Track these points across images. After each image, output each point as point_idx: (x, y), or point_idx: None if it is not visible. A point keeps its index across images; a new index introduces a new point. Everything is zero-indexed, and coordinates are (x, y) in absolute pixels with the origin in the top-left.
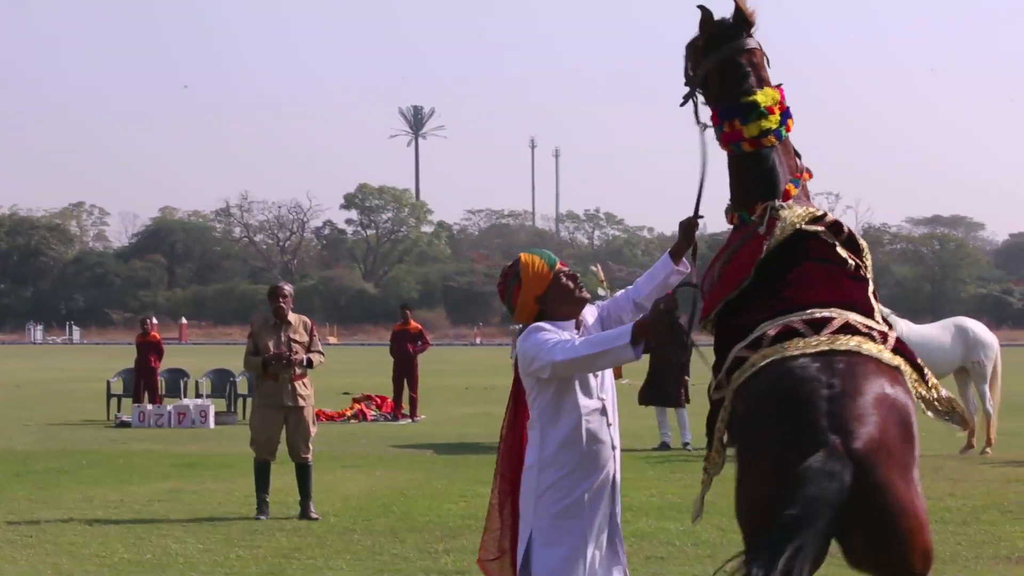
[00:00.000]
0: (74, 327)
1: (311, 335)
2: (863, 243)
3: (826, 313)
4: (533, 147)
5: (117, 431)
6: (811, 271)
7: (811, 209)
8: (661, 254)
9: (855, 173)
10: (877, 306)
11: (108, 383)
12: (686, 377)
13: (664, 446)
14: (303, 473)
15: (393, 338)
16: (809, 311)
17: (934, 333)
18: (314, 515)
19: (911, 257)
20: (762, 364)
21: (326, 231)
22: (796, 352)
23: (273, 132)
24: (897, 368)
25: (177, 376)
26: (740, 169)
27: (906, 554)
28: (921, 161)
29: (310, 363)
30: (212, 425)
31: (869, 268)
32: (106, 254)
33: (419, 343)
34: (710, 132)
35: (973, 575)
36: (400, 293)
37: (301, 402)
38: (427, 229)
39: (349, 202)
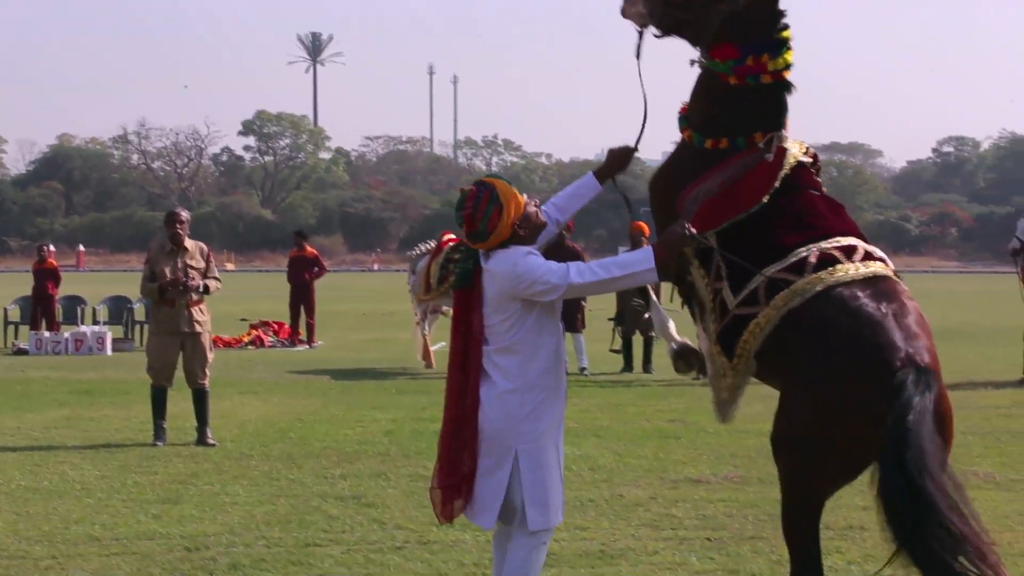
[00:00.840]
0: None
1: (208, 261)
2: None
3: (849, 241)
4: (431, 74)
5: (14, 358)
6: (815, 201)
7: (800, 142)
8: (559, 180)
9: None
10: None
11: (5, 310)
12: (583, 303)
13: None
14: (200, 399)
15: (289, 264)
16: (834, 239)
17: None
18: (211, 441)
19: None
20: (817, 290)
21: (224, 158)
22: (844, 279)
23: (171, 59)
24: (907, 288)
25: (74, 303)
26: (743, 100)
27: (948, 441)
28: (819, 88)
29: (207, 289)
30: (109, 352)
31: None
32: (3, 181)
33: (315, 269)
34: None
35: (868, 499)
36: (298, 219)
37: (198, 328)
38: (325, 156)
39: (247, 129)
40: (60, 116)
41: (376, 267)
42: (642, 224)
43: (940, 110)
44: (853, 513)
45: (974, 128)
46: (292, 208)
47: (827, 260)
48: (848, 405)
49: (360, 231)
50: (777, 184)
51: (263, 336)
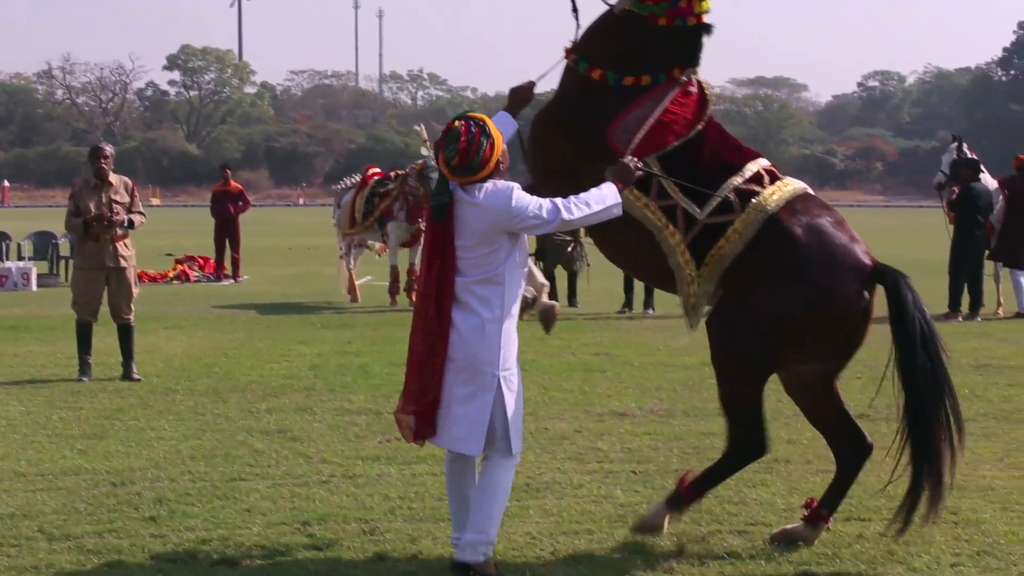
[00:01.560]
0: None
1: (132, 196)
2: None
3: (769, 164)
4: (356, 7)
5: None
6: (722, 128)
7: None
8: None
9: None
10: None
11: None
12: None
13: None
14: (125, 334)
15: (214, 199)
16: (760, 160)
17: None
18: (136, 376)
19: (734, 118)
20: (786, 199)
21: (149, 93)
22: (796, 192)
23: None
24: None
25: None
26: (668, 40)
27: None
28: (744, 22)
29: (131, 224)
30: (34, 288)
31: None
32: None
33: (240, 203)
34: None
35: (793, 432)
36: (223, 154)
37: (123, 263)
38: (250, 90)
39: (172, 63)
40: None
41: (301, 201)
42: None
43: (865, 45)
44: (778, 446)
45: (899, 63)
46: (217, 143)
47: (772, 176)
48: (842, 293)
49: (285, 166)
50: (709, 112)
51: (188, 271)
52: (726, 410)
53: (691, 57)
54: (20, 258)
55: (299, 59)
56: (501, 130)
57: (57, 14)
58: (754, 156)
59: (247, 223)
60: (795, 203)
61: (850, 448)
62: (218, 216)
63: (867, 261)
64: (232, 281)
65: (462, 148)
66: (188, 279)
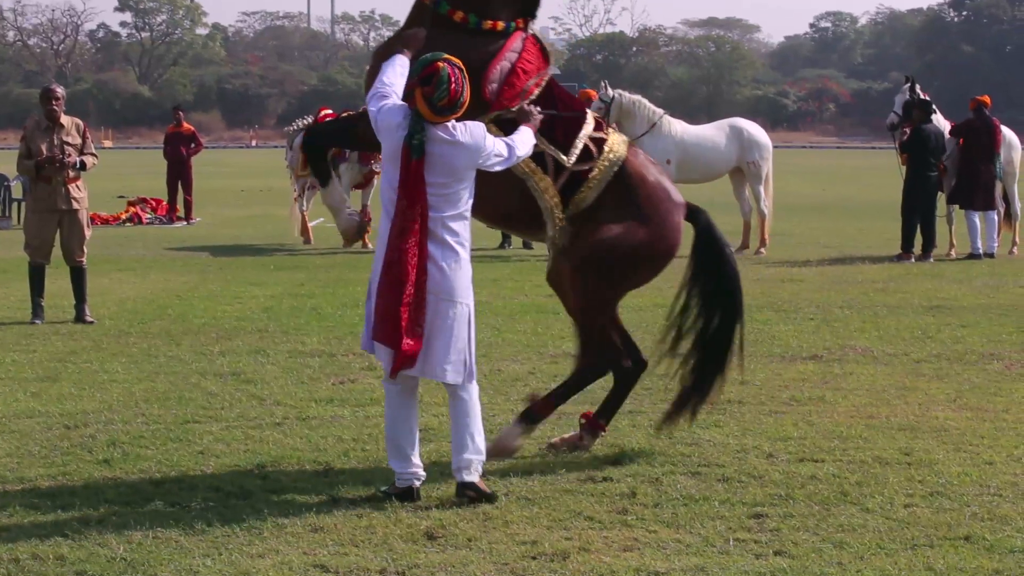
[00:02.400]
0: None
1: (84, 137)
2: None
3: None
4: None
5: None
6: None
7: None
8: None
9: None
10: None
11: None
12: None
13: None
14: (78, 276)
15: (166, 140)
16: (588, 110)
17: (709, 134)
18: (89, 319)
19: (686, 59)
20: (626, 148)
21: (100, 34)
22: (626, 143)
23: None
24: None
25: None
26: None
27: None
28: None
29: (83, 165)
30: None
31: None
32: None
33: (192, 145)
34: None
35: (746, 373)
36: (175, 96)
37: (75, 205)
38: (202, 31)
39: (123, 5)
40: None
41: (254, 143)
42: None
43: None
44: (730, 388)
45: (851, 4)
46: (169, 84)
47: (602, 124)
48: (677, 227)
49: (238, 107)
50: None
51: (141, 213)
52: (583, 336)
53: (531, 7)
54: None
55: (251, 1)
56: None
57: None
58: (585, 106)
59: (200, 165)
60: (630, 152)
61: (629, 363)
62: (171, 158)
63: (683, 200)
64: (185, 223)
65: (453, 91)
66: (141, 221)
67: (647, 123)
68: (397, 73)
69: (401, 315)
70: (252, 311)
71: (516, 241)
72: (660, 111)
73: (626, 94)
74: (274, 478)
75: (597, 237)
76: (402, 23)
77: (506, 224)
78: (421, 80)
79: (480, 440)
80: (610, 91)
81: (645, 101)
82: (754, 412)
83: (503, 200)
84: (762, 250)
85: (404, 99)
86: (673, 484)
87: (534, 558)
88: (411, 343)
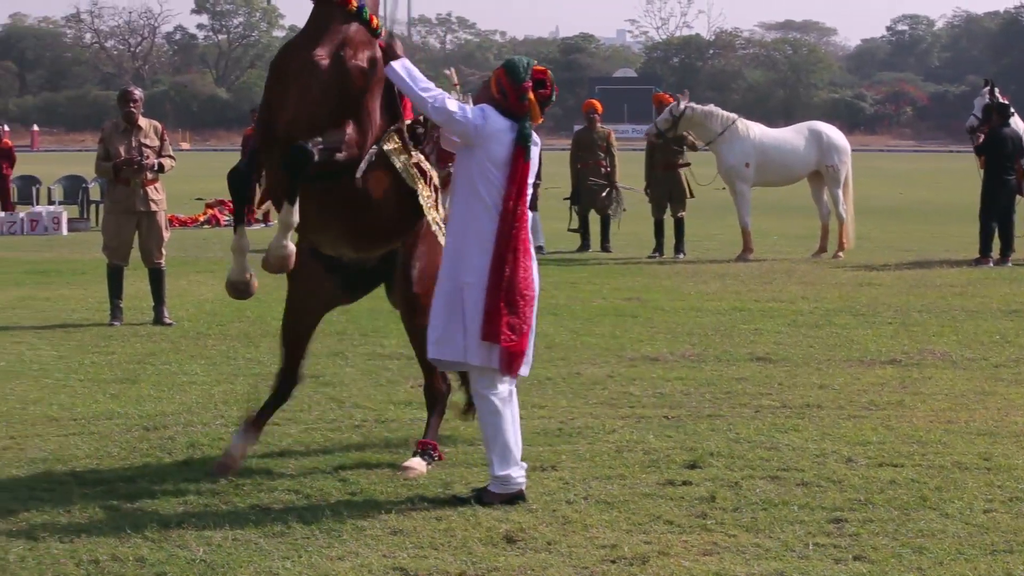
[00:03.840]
0: None
1: (162, 139)
2: None
3: None
4: None
5: None
6: None
7: None
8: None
9: None
10: None
11: None
12: (537, 181)
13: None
14: (156, 278)
15: (244, 142)
16: None
17: (788, 137)
18: (168, 320)
19: (763, 62)
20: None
21: (177, 36)
22: None
23: None
24: None
25: (29, 183)
26: None
27: None
28: None
29: (161, 167)
30: (65, 232)
31: None
32: None
33: None
34: None
35: (825, 377)
36: (252, 98)
37: (153, 207)
38: (279, 34)
39: (200, 7)
40: None
41: None
42: (594, 101)
43: None
44: (810, 392)
45: (928, 6)
46: (246, 87)
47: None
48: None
49: None
50: None
51: (219, 215)
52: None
53: None
54: (50, 202)
55: None
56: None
57: None
58: None
59: None
60: None
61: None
62: None
63: None
64: (262, 225)
65: (551, 94)
66: (219, 223)
67: (721, 127)
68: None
69: (526, 316)
70: (331, 313)
71: (595, 243)
72: (733, 116)
73: (696, 106)
74: (353, 480)
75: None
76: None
77: (367, 239)
78: (535, 83)
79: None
80: (682, 105)
81: (717, 110)
82: (833, 416)
83: (391, 211)
84: (840, 254)
85: (513, 102)
86: (752, 488)
87: (613, 562)
88: (525, 343)
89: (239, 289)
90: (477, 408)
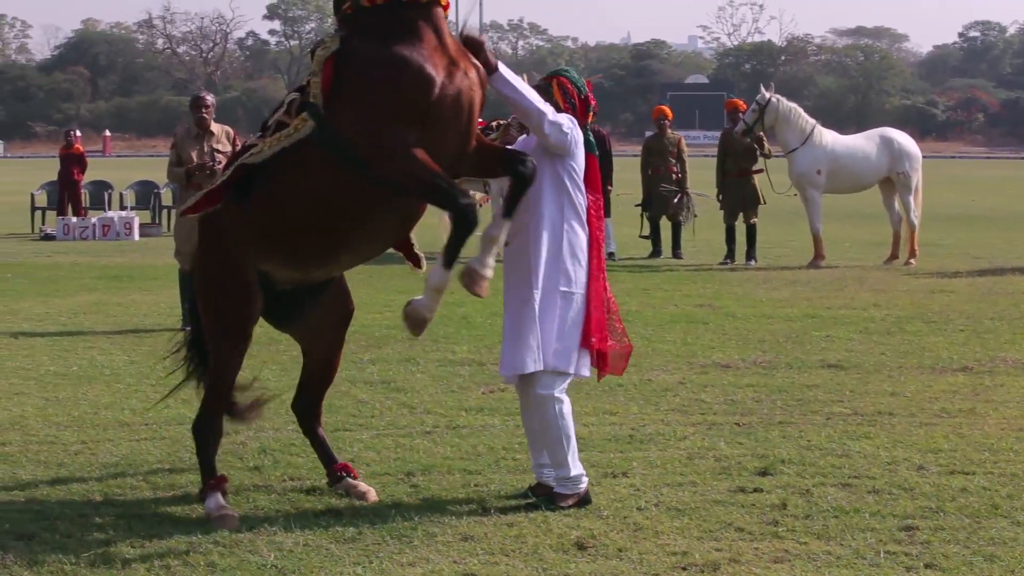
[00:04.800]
0: None
1: (234, 145)
2: (318, 57)
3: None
4: None
5: (42, 244)
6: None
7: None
8: (584, 65)
9: None
10: (275, 116)
11: (32, 196)
12: (608, 187)
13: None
14: None
15: None
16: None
17: (860, 144)
18: None
19: (835, 68)
20: None
21: (249, 42)
22: None
23: None
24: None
25: (101, 188)
26: None
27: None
28: None
29: None
30: (137, 237)
31: (315, 83)
32: (28, 67)
33: None
34: None
35: (897, 384)
36: None
37: None
38: None
39: (272, 13)
40: (84, 1)
41: None
42: (665, 108)
43: None
44: (881, 399)
45: (1000, 13)
46: None
47: None
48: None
49: None
50: None
51: None
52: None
53: None
54: (122, 208)
55: None
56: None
57: None
58: None
59: None
60: None
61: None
62: None
63: None
64: None
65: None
66: None
67: (800, 133)
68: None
69: (617, 321)
70: (401, 319)
71: (666, 250)
72: (813, 121)
73: (784, 100)
74: (424, 486)
75: None
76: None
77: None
78: (589, 94)
79: None
80: (767, 93)
81: (801, 110)
82: (904, 424)
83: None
84: (912, 261)
85: (580, 111)
86: (823, 496)
87: (684, 569)
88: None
89: (419, 326)
90: (543, 411)
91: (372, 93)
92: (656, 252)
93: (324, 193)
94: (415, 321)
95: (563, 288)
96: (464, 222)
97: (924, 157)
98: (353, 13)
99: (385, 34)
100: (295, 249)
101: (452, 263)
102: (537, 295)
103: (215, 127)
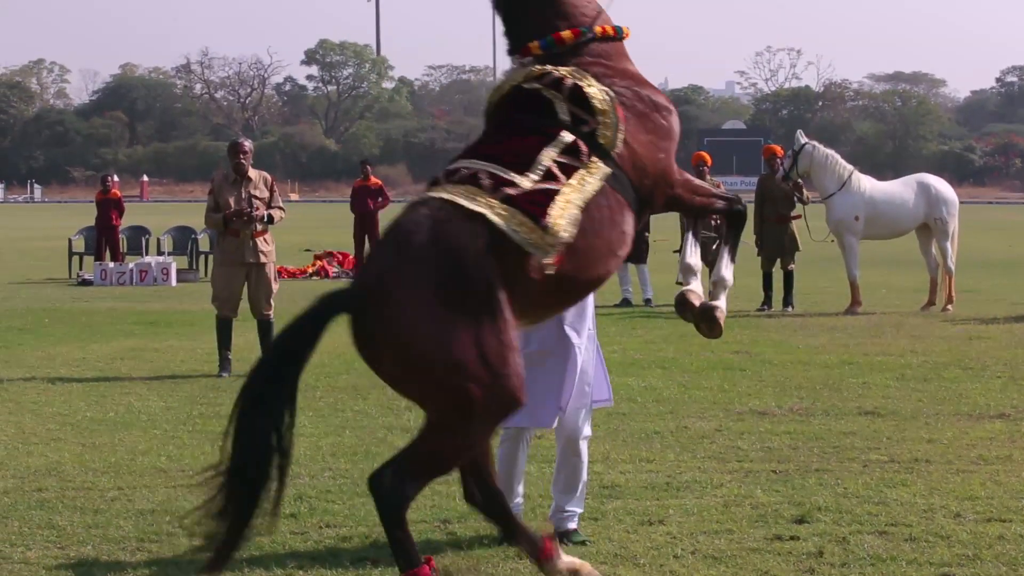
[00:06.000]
0: (35, 185)
1: (271, 191)
2: (601, 98)
3: (462, 164)
4: None
5: (79, 289)
6: (503, 126)
7: (536, 69)
8: None
9: (817, 28)
10: (547, 155)
11: (70, 241)
12: (647, 234)
13: (625, 303)
14: (265, 330)
15: (354, 194)
16: (462, 161)
17: (897, 190)
18: None
19: (873, 114)
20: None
21: (287, 87)
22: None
23: None
24: (477, 215)
25: (139, 233)
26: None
27: (397, 375)
28: (883, 17)
29: (271, 219)
30: (174, 283)
31: (606, 124)
32: (67, 112)
33: (380, 199)
34: None
35: (933, 432)
36: (361, 149)
37: (263, 258)
38: (388, 85)
39: (310, 58)
40: (123, 45)
41: None
42: (703, 153)
43: (1004, 39)
44: (918, 446)
45: None
46: (355, 138)
47: (432, 182)
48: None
49: (424, 161)
50: (486, 108)
51: (327, 267)
52: None
53: (511, 43)
54: (160, 253)
55: (437, 54)
56: None
57: (196, 8)
58: (482, 153)
59: (386, 219)
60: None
61: None
62: (357, 211)
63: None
64: (317, 277)
65: None
66: (327, 275)
67: (837, 179)
68: None
69: None
70: (696, 321)
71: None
72: (850, 167)
73: (819, 146)
74: (460, 534)
75: None
76: None
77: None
78: None
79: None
80: (803, 139)
81: (837, 156)
82: (941, 471)
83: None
84: (949, 307)
85: None
86: (860, 544)
87: None
88: None
89: (718, 326)
90: (579, 455)
91: (658, 136)
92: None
93: (611, 232)
94: (714, 321)
95: (591, 330)
96: (738, 216)
97: (961, 202)
98: (560, 49)
99: (621, 71)
100: (568, 290)
101: (735, 257)
102: (561, 343)
103: (252, 173)
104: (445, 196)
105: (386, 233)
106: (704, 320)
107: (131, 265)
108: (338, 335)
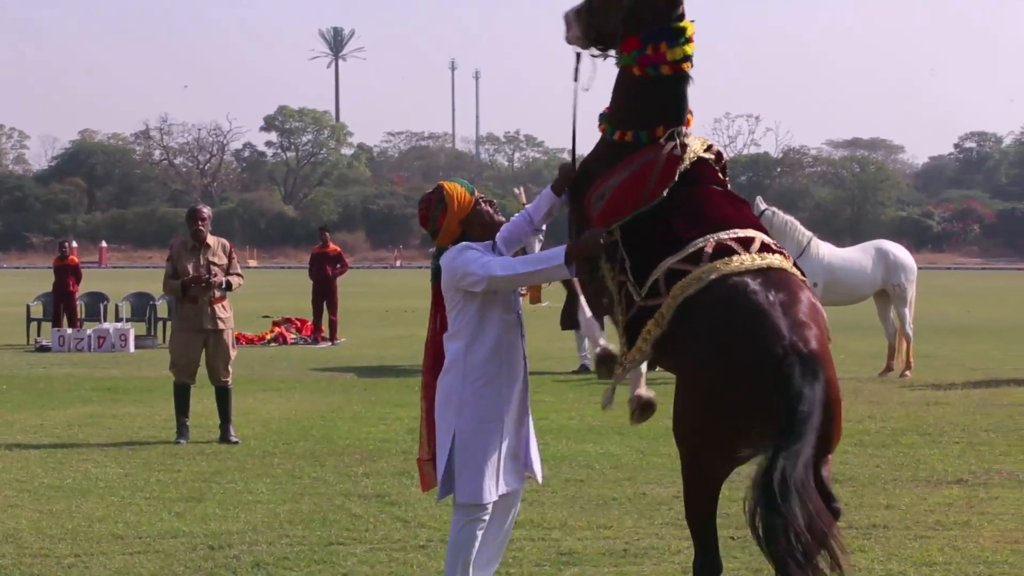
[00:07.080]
0: None
1: (230, 257)
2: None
3: (747, 233)
4: (453, 69)
5: (37, 355)
6: (713, 195)
7: (703, 139)
8: None
9: (775, 95)
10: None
11: (28, 307)
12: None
13: (583, 369)
14: (223, 396)
15: (312, 261)
16: (732, 231)
17: (855, 256)
18: (234, 439)
19: (831, 180)
20: (711, 279)
21: (246, 153)
22: (739, 268)
23: (192, 54)
24: (804, 279)
25: (97, 300)
26: (646, 92)
27: (836, 431)
28: (841, 83)
29: (229, 286)
30: (132, 349)
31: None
32: (25, 177)
33: (338, 265)
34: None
35: (891, 497)
36: (320, 216)
37: (221, 325)
38: (347, 151)
39: (269, 124)
40: (82, 112)
41: (399, 264)
42: None
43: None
44: (876, 512)
45: (996, 123)
46: (314, 204)
47: (723, 250)
48: (734, 399)
49: (383, 228)
50: (676, 179)
51: (286, 333)
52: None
53: (673, 114)
54: (118, 319)
55: (396, 120)
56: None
57: (154, 75)
58: (719, 226)
59: (344, 285)
60: (746, 276)
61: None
62: (316, 278)
63: (779, 348)
64: (330, 344)
65: (421, 215)
66: (286, 341)
67: (796, 245)
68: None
69: (421, 432)
70: (397, 432)
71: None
72: (809, 234)
73: (779, 212)
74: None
75: (676, 395)
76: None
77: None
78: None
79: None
80: (762, 205)
81: (797, 223)
82: (899, 536)
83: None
84: (907, 373)
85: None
86: None
87: None
88: (425, 458)
89: (612, 362)
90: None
91: None
92: (650, 366)
93: None
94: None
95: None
96: None
97: (920, 268)
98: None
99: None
100: None
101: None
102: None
103: (211, 239)
104: (777, 264)
105: (763, 295)
106: (639, 408)
107: (89, 331)
108: (294, 401)
